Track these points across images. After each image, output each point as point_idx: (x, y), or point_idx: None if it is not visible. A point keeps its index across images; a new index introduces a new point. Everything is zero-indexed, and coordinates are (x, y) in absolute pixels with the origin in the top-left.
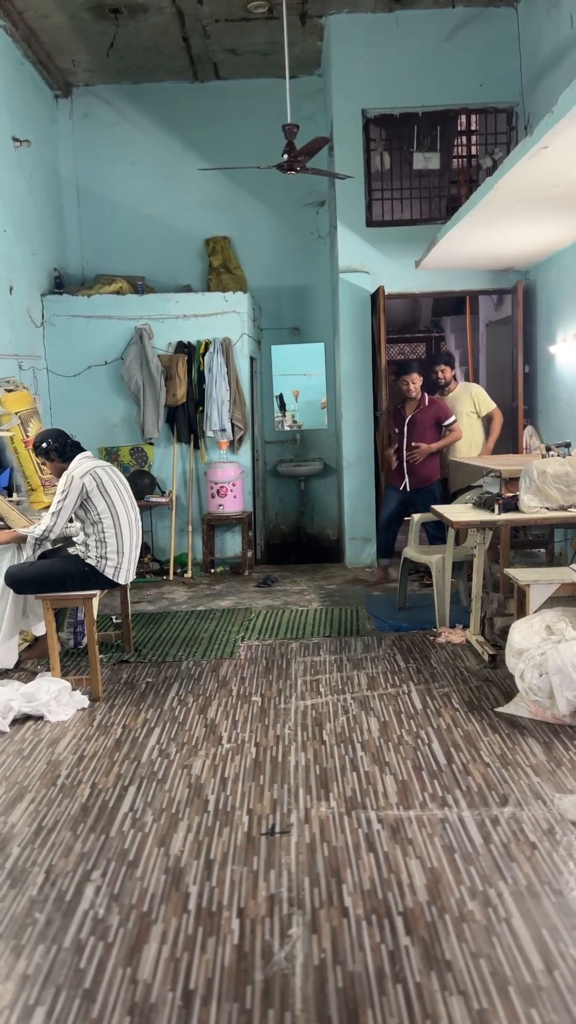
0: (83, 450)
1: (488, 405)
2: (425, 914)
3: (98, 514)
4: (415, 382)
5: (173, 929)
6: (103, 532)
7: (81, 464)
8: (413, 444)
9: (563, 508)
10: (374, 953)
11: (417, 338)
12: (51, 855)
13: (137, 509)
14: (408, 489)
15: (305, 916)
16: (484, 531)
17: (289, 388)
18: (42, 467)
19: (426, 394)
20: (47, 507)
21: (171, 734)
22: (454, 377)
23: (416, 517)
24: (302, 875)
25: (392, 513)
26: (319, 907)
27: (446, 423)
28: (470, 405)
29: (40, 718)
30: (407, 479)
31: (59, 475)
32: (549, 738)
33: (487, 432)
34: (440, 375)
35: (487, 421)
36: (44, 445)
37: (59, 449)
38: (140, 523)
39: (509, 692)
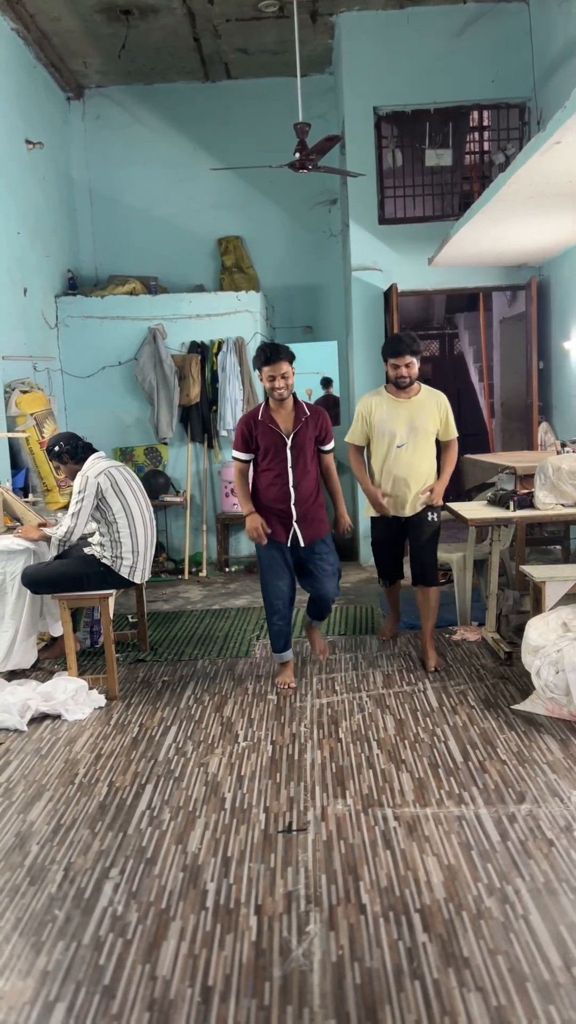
0: (96, 451)
1: (454, 430)
2: (442, 911)
3: (113, 514)
4: (411, 368)
5: (191, 926)
6: (118, 532)
7: (95, 464)
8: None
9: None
10: (391, 950)
11: (431, 335)
12: (70, 853)
13: (151, 508)
14: (302, 544)
15: (322, 913)
16: (500, 528)
17: (303, 387)
18: (57, 469)
19: (300, 400)
20: (63, 507)
21: (187, 732)
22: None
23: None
24: (319, 872)
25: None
26: (336, 904)
27: (325, 447)
28: (434, 421)
29: (58, 717)
30: (297, 529)
31: (73, 477)
32: (566, 735)
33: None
34: (404, 371)
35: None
36: (56, 448)
37: (71, 451)
38: (155, 522)
39: (525, 689)
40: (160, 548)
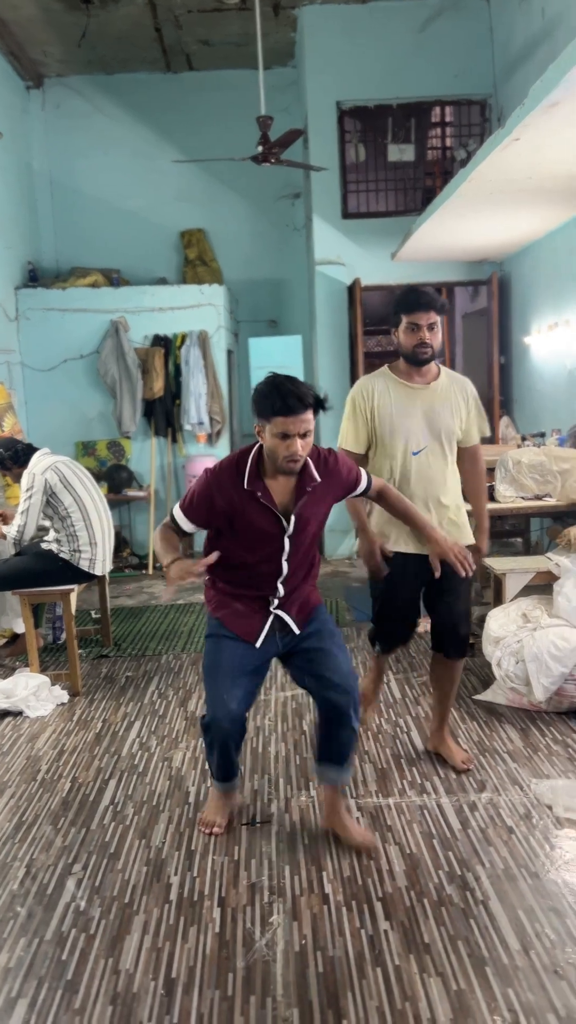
0: (37, 449)
1: (483, 430)
2: (404, 899)
3: (65, 508)
4: (435, 333)
5: (155, 919)
6: (73, 526)
7: (41, 461)
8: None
9: (538, 497)
10: (354, 938)
11: None
12: (32, 849)
13: (104, 499)
14: (296, 630)
15: (286, 904)
16: None
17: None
18: (4, 476)
19: (319, 448)
20: None
21: (151, 727)
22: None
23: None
24: (283, 864)
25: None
26: (300, 894)
27: (357, 491)
28: (459, 419)
29: (19, 714)
30: (285, 617)
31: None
32: (526, 724)
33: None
34: (426, 335)
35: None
36: None
37: (13, 456)
38: (109, 512)
39: (486, 680)
40: (124, 543)
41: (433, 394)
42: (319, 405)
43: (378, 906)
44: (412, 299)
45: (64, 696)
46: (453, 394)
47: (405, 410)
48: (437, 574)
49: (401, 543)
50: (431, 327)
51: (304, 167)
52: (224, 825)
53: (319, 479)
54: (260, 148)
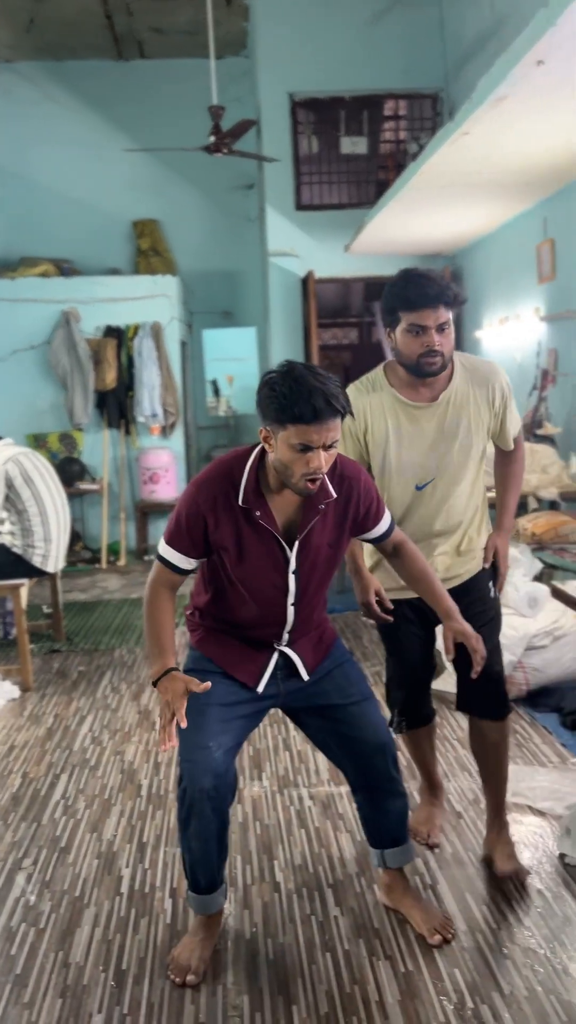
0: (2, 438)
1: (517, 423)
2: (354, 885)
3: (23, 502)
4: (447, 335)
5: (105, 912)
6: (28, 520)
7: (2, 451)
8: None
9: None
10: (304, 925)
11: (349, 324)
12: None
13: (64, 495)
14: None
15: (237, 893)
16: None
17: (223, 373)
18: None
19: (339, 465)
20: None
21: (104, 721)
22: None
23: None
24: (235, 853)
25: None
26: (251, 883)
27: (373, 534)
28: (482, 423)
29: None
30: (292, 656)
31: None
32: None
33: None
34: (435, 340)
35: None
36: None
37: None
38: (68, 509)
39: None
40: (76, 537)
41: (445, 410)
42: (346, 410)
43: (329, 893)
44: (414, 292)
45: (15, 691)
46: (472, 399)
47: (408, 440)
48: (449, 657)
49: (393, 585)
50: (441, 328)
51: (257, 158)
52: (203, 972)
53: (335, 495)
54: (212, 138)
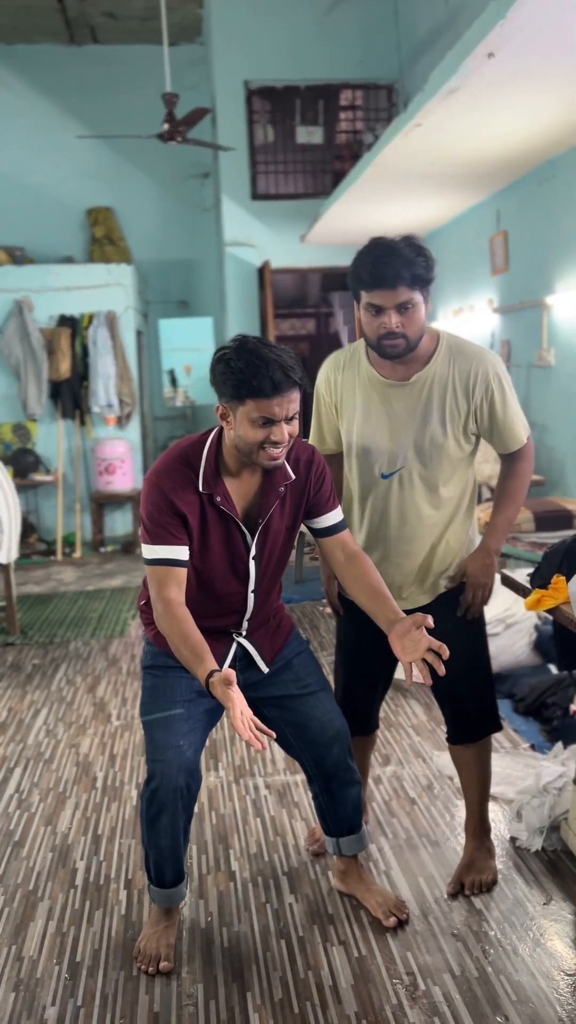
0: None
1: (519, 430)
2: (309, 872)
3: None
4: (412, 314)
5: (60, 905)
6: None
7: None
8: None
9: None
10: (259, 913)
11: (306, 314)
12: None
13: (12, 485)
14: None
15: (193, 883)
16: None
17: (180, 363)
18: None
19: (299, 442)
20: None
21: (59, 714)
22: None
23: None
24: (190, 844)
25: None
26: (207, 873)
27: (321, 523)
28: (457, 419)
29: None
30: (249, 648)
31: None
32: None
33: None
34: (394, 320)
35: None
36: None
37: None
38: (17, 499)
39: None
40: (31, 529)
41: (419, 392)
42: (304, 382)
43: (284, 880)
44: (371, 270)
45: None
46: (450, 385)
47: (376, 419)
48: (408, 683)
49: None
50: (402, 308)
51: (211, 147)
52: (172, 957)
53: (293, 476)
54: (166, 126)
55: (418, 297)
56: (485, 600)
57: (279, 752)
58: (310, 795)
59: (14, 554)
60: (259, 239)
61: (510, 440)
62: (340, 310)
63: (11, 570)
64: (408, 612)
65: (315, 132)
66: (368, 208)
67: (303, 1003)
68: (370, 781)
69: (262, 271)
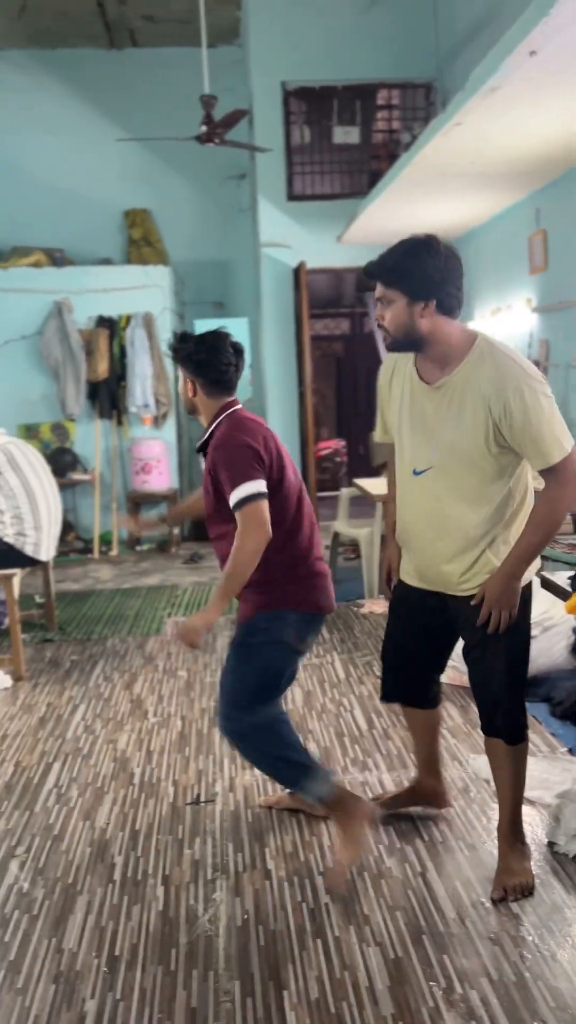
0: None
1: (553, 448)
2: (345, 873)
3: (11, 489)
4: (391, 309)
5: (98, 899)
6: (18, 508)
7: None
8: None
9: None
10: (295, 912)
11: (341, 314)
12: None
13: (55, 484)
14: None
15: (229, 880)
16: None
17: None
18: None
19: (231, 415)
20: None
21: (96, 710)
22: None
23: (344, 493)
24: (226, 841)
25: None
26: (243, 871)
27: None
28: (480, 429)
29: None
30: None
31: None
32: (466, 702)
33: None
34: (380, 311)
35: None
36: None
37: None
38: (59, 498)
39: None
40: (69, 527)
41: (443, 396)
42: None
43: (319, 880)
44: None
45: (7, 681)
46: (474, 394)
47: (409, 418)
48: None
49: (404, 569)
50: (383, 302)
51: (249, 148)
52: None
53: (207, 440)
54: (204, 128)
55: (392, 294)
56: (502, 622)
57: (314, 751)
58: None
59: (53, 552)
60: (295, 240)
61: (534, 458)
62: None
63: (50, 568)
64: (450, 599)
65: (352, 132)
66: (405, 207)
67: (339, 1003)
68: (405, 783)
69: (298, 272)
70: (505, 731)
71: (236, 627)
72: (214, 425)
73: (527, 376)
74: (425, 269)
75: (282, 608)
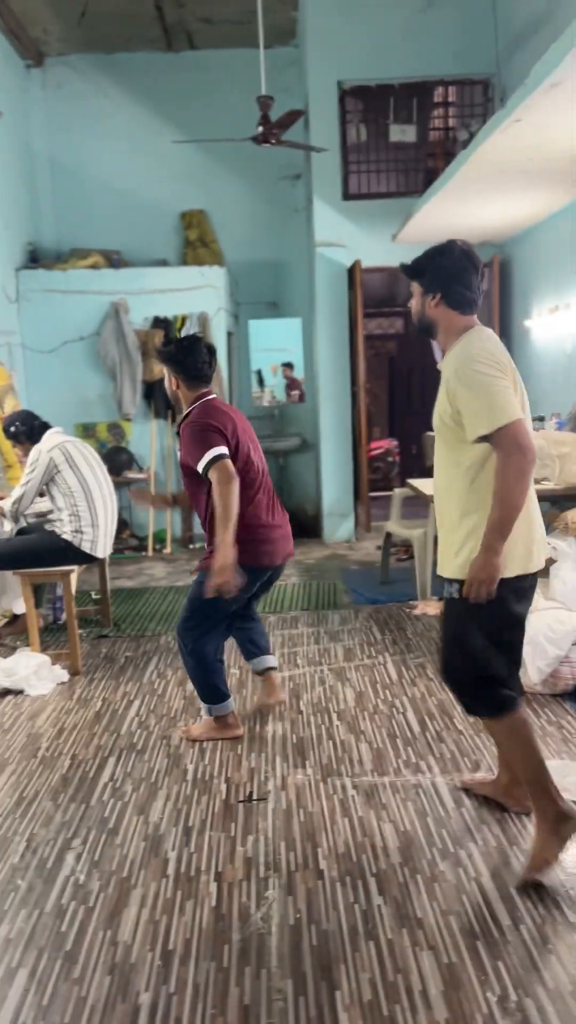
0: (50, 427)
1: (477, 421)
2: (398, 875)
3: (69, 487)
4: (413, 299)
5: (152, 893)
6: (76, 506)
7: (50, 439)
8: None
9: (537, 481)
10: (347, 913)
11: (395, 313)
12: (32, 824)
13: (111, 482)
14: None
15: (281, 879)
16: None
17: (267, 363)
18: (14, 448)
19: (203, 403)
20: None
21: (150, 706)
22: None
23: (397, 493)
24: (278, 840)
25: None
26: (295, 870)
27: (201, 464)
28: (443, 405)
29: (20, 692)
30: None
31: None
32: (532, 707)
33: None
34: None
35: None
36: (12, 428)
37: (27, 432)
38: (115, 496)
39: None
40: (124, 525)
41: (442, 373)
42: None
43: (372, 882)
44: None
45: (64, 675)
46: (445, 371)
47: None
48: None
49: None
50: (412, 293)
51: (305, 148)
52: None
53: (182, 420)
54: (260, 129)
55: (415, 287)
56: (476, 595)
57: (367, 753)
58: (399, 795)
59: (109, 549)
60: (350, 239)
61: (467, 428)
62: None
63: (106, 565)
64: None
65: (408, 130)
66: (462, 205)
67: (392, 1006)
68: (459, 786)
69: (352, 271)
70: (462, 700)
71: (198, 569)
72: (189, 409)
73: (471, 359)
74: (438, 267)
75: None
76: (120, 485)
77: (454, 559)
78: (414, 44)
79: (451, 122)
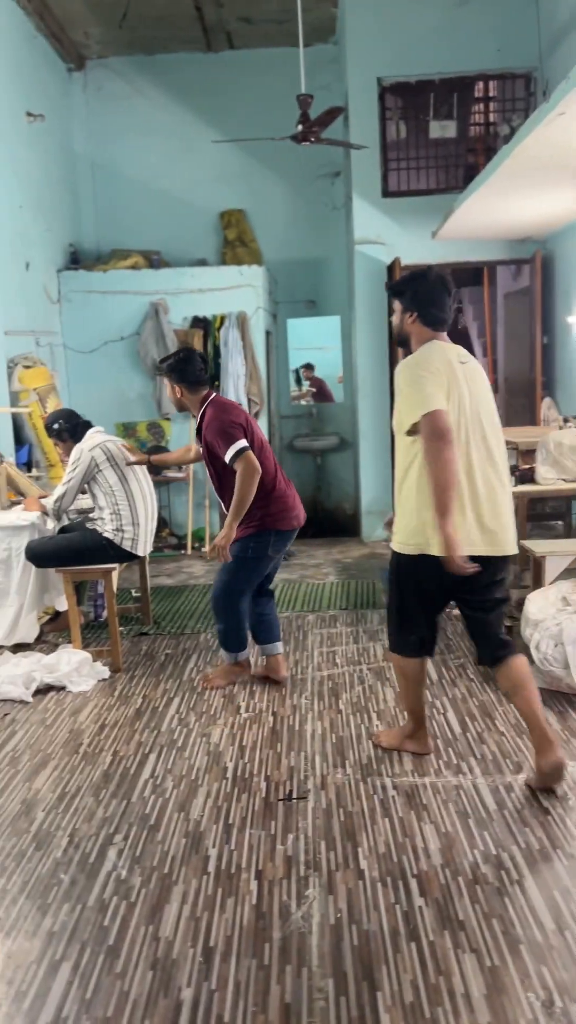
0: (92, 427)
1: (403, 413)
2: (439, 876)
3: (110, 486)
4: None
5: (193, 890)
6: (117, 504)
7: (92, 438)
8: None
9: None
10: (388, 913)
11: None
12: (74, 819)
13: (151, 481)
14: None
15: (321, 878)
16: None
17: (302, 362)
18: (56, 446)
19: (215, 400)
20: None
21: (190, 704)
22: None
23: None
24: (318, 839)
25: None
26: (335, 869)
27: (229, 455)
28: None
29: (62, 689)
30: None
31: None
32: (563, 708)
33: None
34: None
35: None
36: (56, 426)
37: (71, 430)
38: (155, 495)
39: None
40: (163, 523)
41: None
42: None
43: (413, 883)
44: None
45: (105, 672)
46: (396, 379)
47: None
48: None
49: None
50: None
51: (344, 145)
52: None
53: (199, 419)
54: (300, 127)
55: (396, 304)
56: (450, 565)
57: (406, 754)
58: (440, 795)
59: (150, 547)
60: (389, 236)
61: (403, 416)
62: (470, 305)
63: (147, 563)
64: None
65: (448, 126)
66: (503, 201)
67: (434, 1008)
68: (500, 788)
69: (392, 268)
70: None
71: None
72: (201, 411)
73: (408, 363)
74: (415, 290)
75: (262, 529)
76: (159, 484)
77: (399, 534)
78: (454, 39)
79: (492, 117)
